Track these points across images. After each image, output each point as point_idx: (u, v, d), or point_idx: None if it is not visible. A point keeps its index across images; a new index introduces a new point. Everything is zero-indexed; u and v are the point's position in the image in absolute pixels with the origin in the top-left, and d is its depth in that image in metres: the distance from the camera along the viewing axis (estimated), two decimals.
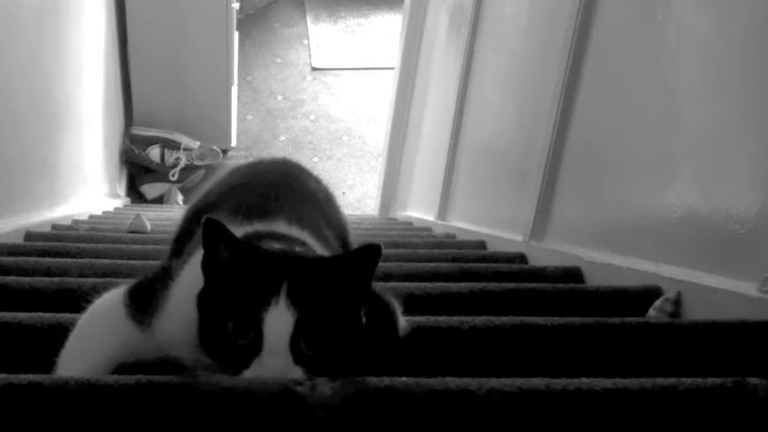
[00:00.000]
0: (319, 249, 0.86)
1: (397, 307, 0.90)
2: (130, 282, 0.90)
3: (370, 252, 0.72)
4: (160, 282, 0.83)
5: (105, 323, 0.86)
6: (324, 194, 1.12)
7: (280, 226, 0.86)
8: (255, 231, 0.84)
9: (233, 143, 4.48)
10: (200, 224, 0.92)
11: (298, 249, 0.80)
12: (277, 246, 0.79)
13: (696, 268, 1.24)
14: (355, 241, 1.12)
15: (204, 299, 0.73)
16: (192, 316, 0.74)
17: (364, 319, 0.75)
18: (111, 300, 0.88)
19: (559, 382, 0.74)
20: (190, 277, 0.79)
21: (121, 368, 0.82)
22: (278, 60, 5.09)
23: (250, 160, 1.25)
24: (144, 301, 0.83)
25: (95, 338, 0.86)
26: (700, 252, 1.26)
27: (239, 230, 0.83)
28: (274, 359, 0.68)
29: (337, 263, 0.74)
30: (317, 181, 1.16)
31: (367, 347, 0.75)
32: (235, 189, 1.04)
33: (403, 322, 0.90)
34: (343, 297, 0.72)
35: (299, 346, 0.69)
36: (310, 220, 0.93)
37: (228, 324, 0.69)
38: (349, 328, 0.72)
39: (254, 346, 0.69)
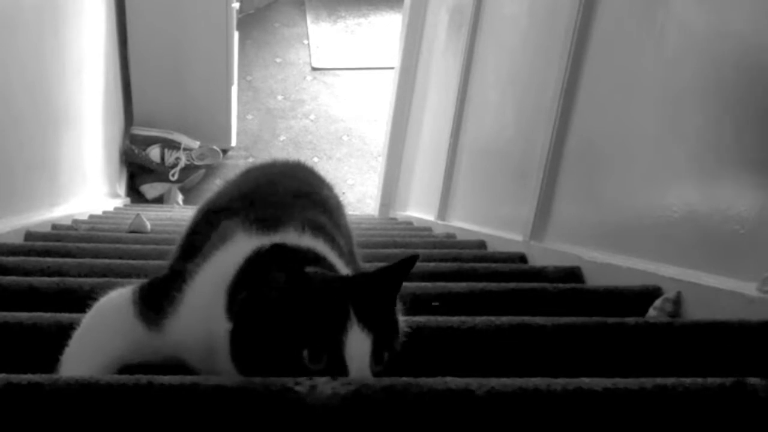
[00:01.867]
0: (335, 260, 0.86)
1: (398, 307, 0.90)
2: (137, 281, 0.89)
3: (411, 262, 0.78)
4: (173, 284, 0.83)
5: (111, 322, 0.85)
6: (335, 201, 1.11)
7: (294, 238, 0.86)
8: (271, 244, 0.83)
9: (233, 143, 4.47)
10: (213, 225, 0.92)
11: (309, 269, 0.79)
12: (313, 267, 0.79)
13: (696, 268, 1.24)
14: (358, 246, 1.12)
15: (255, 329, 0.71)
16: (202, 322, 0.74)
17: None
18: (118, 298, 0.87)
19: (559, 382, 0.74)
20: (206, 282, 0.79)
21: (124, 369, 0.82)
22: (278, 60, 5.09)
23: (264, 161, 1.24)
24: (154, 302, 0.82)
25: (101, 337, 0.85)
26: (700, 252, 1.26)
27: (253, 242, 0.83)
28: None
29: (386, 276, 0.77)
30: (329, 188, 1.15)
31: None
32: (249, 193, 1.02)
33: (402, 321, 0.90)
34: (391, 307, 0.76)
35: (373, 364, 0.71)
36: (325, 229, 0.92)
37: (301, 352, 0.68)
38: (396, 334, 0.76)
39: (333, 370, 0.69)
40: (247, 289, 0.73)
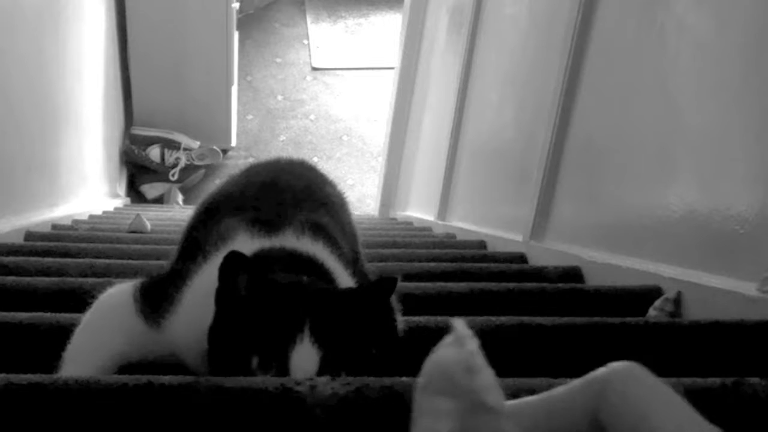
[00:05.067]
0: (332, 263, 0.86)
1: (396, 306, 0.90)
2: (139, 277, 0.89)
3: (388, 285, 0.73)
4: (173, 282, 0.83)
5: (113, 317, 0.85)
6: (339, 199, 1.11)
7: (293, 241, 0.86)
8: (271, 247, 0.83)
9: (233, 143, 4.47)
10: (215, 223, 0.92)
11: (305, 278, 0.79)
12: (288, 275, 0.78)
13: (696, 268, 1.24)
14: (362, 244, 1.12)
15: (219, 331, 0.72)
16: (201, 322, 0.74)
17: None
18: (119, 294, 0.87)
19: (559, 382, 0.73)
20: (204, 282, 0.79)
21: (124, 368, 0.82)
22: (278, 60, 5.09)
23: (268, 159, 1.24)
24: (155, 300, 0.83)
25: (103, 333, 0.85)
26: (700, 252, 1.26)
27: (253, 244, 0.83)
28: None
29: (356, 298, 0.75)
30: (332, 186, 1.15)
31: (379, 364, 0.76)
32: (253, 190, 1.02)
33: (401, 320, 0.90)
34: (361, 329, 0.73)
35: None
36: (325, 230, 0.92)
37: (251, 358, 0.69)
38: (365, 356, 0.74)
39: None
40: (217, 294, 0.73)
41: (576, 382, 0.37)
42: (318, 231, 0.89)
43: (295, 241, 0.86)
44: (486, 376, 0.34)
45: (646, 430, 0.31)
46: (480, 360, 0.35)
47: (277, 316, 0.70)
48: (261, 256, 0.81)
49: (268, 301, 0.71)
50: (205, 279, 0.80)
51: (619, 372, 0.35)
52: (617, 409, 0.33)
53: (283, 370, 0.69)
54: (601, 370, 0.36)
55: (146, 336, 0.82)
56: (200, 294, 0.78)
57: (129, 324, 0.83)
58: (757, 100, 1.14)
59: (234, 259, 0.71)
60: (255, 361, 0.69)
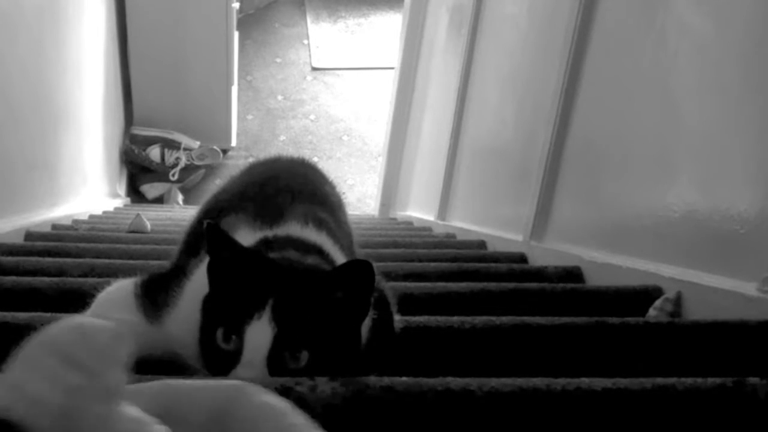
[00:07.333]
0: (336, 252, 0.86)
1: (393, 302, 0.89)
2: (140, 274, 0.90)
3: (359, 268, 0.70)
4: (174, 278, 0.83)
5: (113, 314, 0.85)
6: (337, 199, 1.12)
7: (297, 230, 0.86)
8: (274, 235, 0.84)
9: (233, 143, 4.47)
10: (216, 219, 0.93)
11: (310, 259, 0.79)
12: (294, 253, 0.79)
13: (696, 268, 1.24)
14: (358, 245, 1.12)
15: (206, 303, 0.74)
16: (199, 318, 0.74)
17: (365, 332, 0.75)
18: (120, 291, 0.87)
19: (559, 382, 0.74)
20: (203, 278, 0.79)
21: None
22: (278, 60, 5.09)
23: (268, 157, 1.24)
24: (155, 296, 0.83)
25: None
26: (700, 252, 1.26)
27: (257, 234, 0.84)
28: (249, 371, 0.69)
29: (326, 279, 0.73)
30: (332, 185, 1.16)
31: (363, 356, 0.75)
32: (253, 188, 1.03)
33: (397, 317, 0.90)
34: (330, 312, 0.72)
35: (279, 359, 0.69)
36: (327, 223, 0.93)
37: (217, 330, 0.70)
38: (336, 343, 0.72)
39: (236, 355, 0.70)
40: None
41: (204, 383, 0.42)
42: (320, 223, 0.90)
43: (299, 229, 0.87)
44: (116, 365, 0.36)
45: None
46: (119, 346, 0.36)
47: (244, 290, 0.71)
48: (264, 242, 0.82)
49: (241, 274, 0.72)
50: (204, 274, 0.80)
51: (250, 387, 0.41)
52: (245, 415, 0.39)
53: (239, 344, 0.69)
54: (231, 381, 0.42)
55: (147, 331, 0.82)
56: (199, 289, 0.78)
57: (130, 320, 0.83)
58: (757, 100, 1.14)
59: (212, 229, 0.72)
60: (220, 333, 0.70)
